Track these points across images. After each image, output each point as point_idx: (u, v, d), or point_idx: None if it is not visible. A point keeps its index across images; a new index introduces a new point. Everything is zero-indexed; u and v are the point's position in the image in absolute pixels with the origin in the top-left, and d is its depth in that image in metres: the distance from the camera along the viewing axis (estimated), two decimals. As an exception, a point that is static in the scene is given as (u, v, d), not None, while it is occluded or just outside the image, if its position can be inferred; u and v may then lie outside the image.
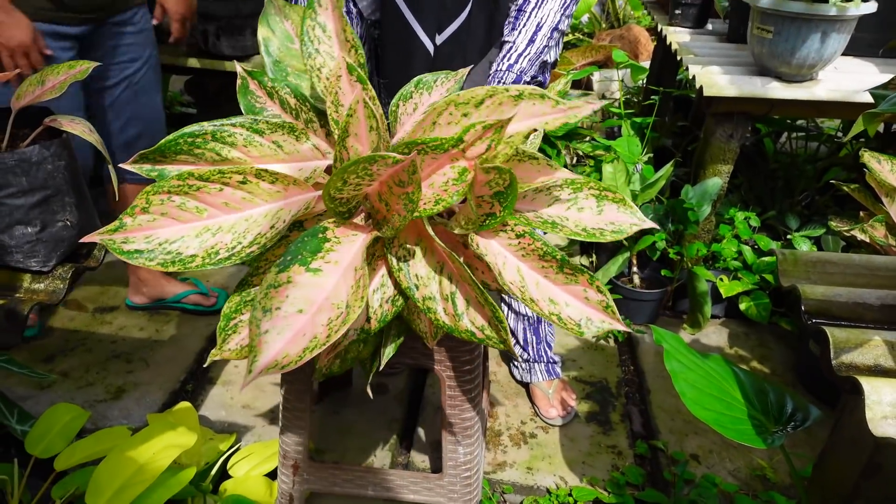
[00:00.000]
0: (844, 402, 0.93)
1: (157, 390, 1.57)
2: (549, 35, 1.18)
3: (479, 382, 1.10)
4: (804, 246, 2.03)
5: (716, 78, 1.73)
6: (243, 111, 0.84)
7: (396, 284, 0.78)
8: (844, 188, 1.63)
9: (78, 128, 0.88)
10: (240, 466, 1.31)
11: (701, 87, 1.72)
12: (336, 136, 0.78)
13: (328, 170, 0.83)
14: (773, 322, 1.92)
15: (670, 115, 2.71)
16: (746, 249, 1.95)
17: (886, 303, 0.81)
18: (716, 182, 1.88)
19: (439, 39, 1.21)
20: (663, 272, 1.91)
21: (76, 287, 1.92)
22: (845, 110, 1.74)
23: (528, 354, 1.60)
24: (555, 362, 1.60)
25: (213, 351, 0.74)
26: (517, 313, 1.56)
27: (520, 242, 0.76)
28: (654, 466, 1.47)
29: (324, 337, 0.65)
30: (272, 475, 1.29)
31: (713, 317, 1.97)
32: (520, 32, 1.17)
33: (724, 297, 1.85)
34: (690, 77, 1.81)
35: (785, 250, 0.91)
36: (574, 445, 1.50)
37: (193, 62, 1.85)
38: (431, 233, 0.72)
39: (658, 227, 0.83)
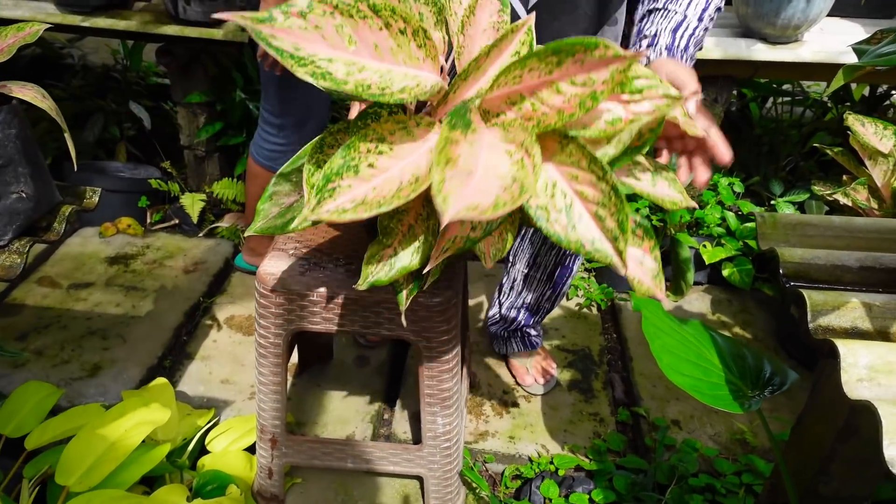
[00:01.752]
0: (822, 365, 0.92)
1: (134, 367, 1.54)
2: (712, 15, 0.98)
3: (456, 353, 1.09)
4: (788, 211, 2.02)
5: (699, 40, 1.69)
6: None
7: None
8: (828, 151, 1.62)
9: (29, 94, 0.84)
10: (218, 441, 1.30)
11: (684, 50, 1.68)
12: (458, 45, 0.79)
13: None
14: (756, 288, 1.92)
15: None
16: (730, 215, 1.94)
17: (865, 264, 0.80)
18: (699, 148, 1.85)
19: (531, 2, 1.08)
20: None
21: (49, 263, 1.88)
22: (831, 72, 1.72)
23: (507, 324, 1.58)
24: (532, 335, 1.59)
25: (305, 211, 0.69)
26: (508, 290, 1.53)
27: None
28: (635, 433, 1.47)
29: (508, 198, 0.63)
30: (251, 450, 1.28)
31: (696, 283, 1.97)
32: (689, 4, 0.96)
33: (707, 263, 1.85)
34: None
35: (765, 213, 0.89)
36: (556, 414, 1.50)
37: (165, 29, 1.78)
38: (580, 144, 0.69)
39: (696, 206, 0.83)
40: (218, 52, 1.98)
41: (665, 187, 0.81)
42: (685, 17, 0.94)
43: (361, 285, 0.82)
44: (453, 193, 0.60)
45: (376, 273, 0.82)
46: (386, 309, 1.03)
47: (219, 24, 1.80)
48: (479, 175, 0.64)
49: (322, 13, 0.64)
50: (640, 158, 0.83)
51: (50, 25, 0.95)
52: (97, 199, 0.99)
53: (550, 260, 1.42)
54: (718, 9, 0.98)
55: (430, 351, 1.06)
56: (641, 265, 0.76)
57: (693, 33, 0.94)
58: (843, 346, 0.67)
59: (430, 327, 1.03)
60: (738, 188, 2.00)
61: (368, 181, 0.71)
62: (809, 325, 0.72)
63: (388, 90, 0.69)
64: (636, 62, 0.62)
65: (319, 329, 1.05)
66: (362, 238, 1.10)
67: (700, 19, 0.94)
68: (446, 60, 0.79)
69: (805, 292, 0.74)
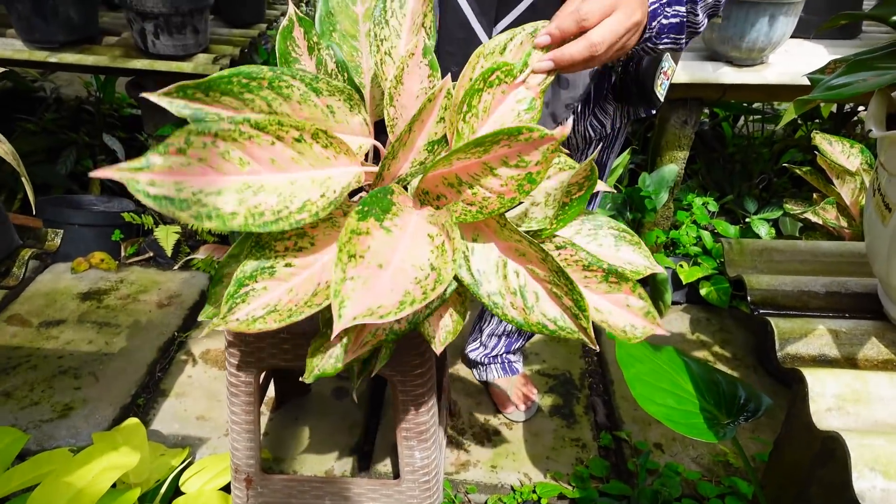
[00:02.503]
0: (796, 390, 0.92)
1: (107, 406, 1.51)
2: None
3: (431, 385, 1.08)
4: (762, 229, 2.04)
5: (668, 64, 1.71)
6: (277, 53, 0.77)
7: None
8: (797, 171, 1.64)
9: (-14, 138, 0.82)
10: (192, 482, 1.27)
11: (653, 74, 1.70)
12: (388, 118, 0.76)
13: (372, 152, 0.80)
14: (734, 306, 1.93)
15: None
16: (705, 234, 1.95)
17: (831, 290, 0.80)
18: (672, 169, 1.88)
19: (495, 31, 1.05)
20: None
21: (19, 301, 1.84)
22: (796, 93, 1.75)
23: (487, 350, 1.57)
24: (512, 360, 1.58)
25: (215, 320, 0.67)
26: (489, 317, 1.53)
27: (560, 254, 0.74)
28: (618, 457, 1.46)
29: (419, 294, 0.60)
30: (227, 489, 1.25)
31: (674, 303, 1.98)
32: None
33: (684, 283, 1.86)
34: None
35: (731, 239, 0.89)
36: (538, 441, 1.49)
37: (134, 63, 1.77)
38: (508, 226, 0.68)
39: (664, 272, 0.83)
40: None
41: (629, 252, 0.80)
42: None
43: (308, 379, 0.79)
44: (351, 297, 0.57)
45: (322, 366, 0.79)
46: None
47: (188, 57, 1.79)
48: (393, 267, 0.62)
49: (203, 145, 0.60)
50: (604, 220, 0.82)
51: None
52: (59, 241, 0.97)
53: None
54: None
55: (404, 385, 1.04)
56: (629, 307, 0.73)
57: None
58: (810, 375, 0.67)
59: (403, 361, 1.02)
60: (713, 207, 2.02)
61: (286, 281, 0.68)
62: (777, 353, 0.72)
63: (286, 212, 0.64)
64: (563, 137, 0.61)
65: (291, 366, 1.03)
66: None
67: None
68: (378, 135, 0.78)
69: (772, 321, 0.74)
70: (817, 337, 0.72)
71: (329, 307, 0.69)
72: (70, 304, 1.84)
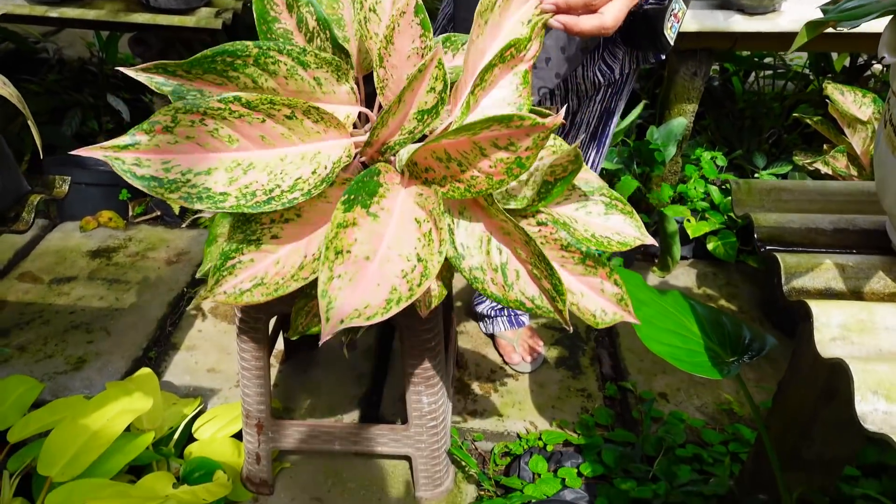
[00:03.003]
0: (801, 329, 0.92)
1: (119, 359, 1.53)
2: None
3: (438, 331, 1.09)
4: (771, 183, 2.02)
5: (677, 13, 1.68)
6: (255, 14, 0.76)
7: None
8: (808, 121, 1.62)
9: (-11, 81, 0.82)
10: (205, 429, 1.29)
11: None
12: (378, 79, 0.73)
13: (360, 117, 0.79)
14: (741, 260, 1.93)
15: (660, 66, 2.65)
16: (713, 189, 1.94)
17: (839, 226, 0.80)
18: (681, 122, 1.85)
19: None
20: (642, 217, 1.89)
21: (29, 259, 1.86)
22: (809, 41, 1.71)
23: (494, 303, 1.58)
24: (518, 313, 1.59)
25: (202, 292, 0.68)
26: None
27: (540, 230, 0.74)
28: (623, 407, 1.48)
29: (405, 291, 0.60)
30: (239, 436, 1.27)
31: (681, 258, 1.97)
32: None
33: (691, 237, 1.85)
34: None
35: (740, 180, 0.89)
36: (544, 391, 1.51)
37: (136, 17, 1.75)
38: (493, 205, 0.68)
39: (656, 244, 0.82)
40: (192, 38, 1.95)
41: (620, 222, 0.78)
42: None
43: (292, 336, 0.81)
44: (338, 297, 0.56)
45: (307, 325, 0.81)
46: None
47: (190, 11, 1.77)
48: (379, 256, 0.61)
49: (191, 123, 0.59)
50: (597, 185, 0.80)
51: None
52: (67, 187, 0.97)
53: None
54: None
55: (411, 330, 1.05)
56: (602, 292, 0.73)
57: None
58: (815, 306, 0.67)
59: (410, 308, 1.03)
60: (721, 162, 2.00)
61: (273, 252, 0.67)
62: (783, 287, 0.72)
63: (277, 191, 0.63)
64: (556, 126, 0.60)
65: (300, 312, 1.04)
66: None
67: None
68: (367, 104, 0.77)
69: (779, 255, 0.74)
70: (824, 271, 0.72)
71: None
72: (80, 262, 1.85)
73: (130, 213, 2.11)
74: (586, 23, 0.80)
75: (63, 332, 1.60)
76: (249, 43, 0.68)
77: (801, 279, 0.72)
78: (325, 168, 0.67)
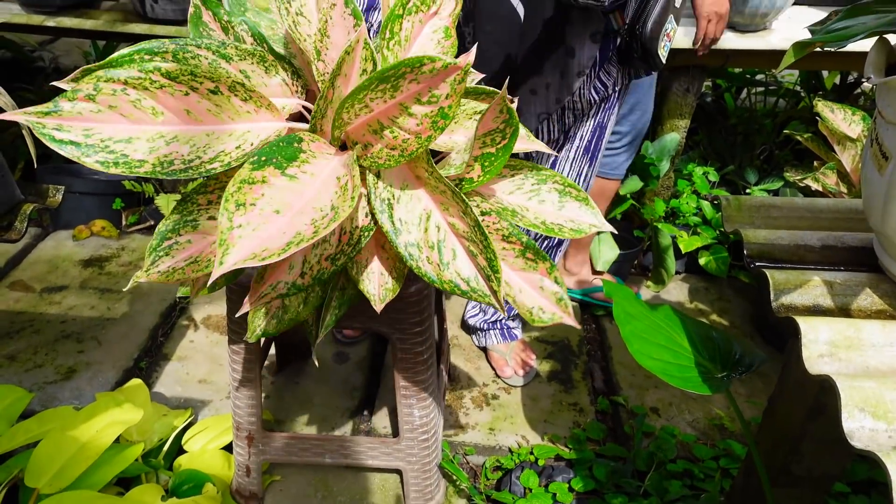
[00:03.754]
0: (791, 345, 0.93)
1: (110, 369, 1.52)
2: None
3: (430, 344, 1.09)
4: (762, 199, 2.03)
5: (670, 30, 1.70)
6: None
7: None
8: (799, 138, 1.64)
9: (-15, 90, 0.83)
10: (195, 441, 1.28)
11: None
12: (317, 73, 0.73)
13: (297, 113, 0.79)
14: (733, 276, 1.94)
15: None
16: (705, 204, 1.95)
17: (827, 244, 0.81)
18: (674, 137, 1.87)
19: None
20: (636, 232, 1.89)
21: (21, 267, 1.85)
22: (800, 59, 1.73)
23: (487, 316, 1.59)
24: (511, 327, 1.59)
25: (138, 273, 0.68)
26: None
27: (483, 220, 0.74)
28: (615, 421, 1.48)
29: (310, 233, 0.60)
30: (229, 448, 1.27)
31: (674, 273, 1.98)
32: None
33: (683, 252, 1.86)
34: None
35: (730, 196, 0.90)
36: (536, 405, 1.50)
37: (133, 28, 1.76)
38: (432, 169, 0.67)
39: (615, 231, 0.82)
40: (189, 50, 1.96)
41: (575, 209, 0.77)
42: None
43: (250, 338, 0.80)
44: (237, 244, 0.56)
45: (264, 326, 0.80)
46: (359, 301, 1.02)
47: (187, 21, 1.78)
48: (294, 211, 0.61)
49: (112, 92, 0.59)
50: (549, 174, 0.79)
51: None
52: (60, 196, 0.97)
53: None
54: None
55: (403, 342, 1.05)
56: (542, 290, 0.72)
57: None
58: (803, 322, 0.68)
59: (402, 319, 1.03)
60: (713, 177, 2.02)
61: (210, 234, 0.67)
62: (772, 303, 0.73)
63: (197, 161, 0.63)
64: (467, 67, 0.61)
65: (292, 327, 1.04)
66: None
67: None
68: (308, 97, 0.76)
69: (768, 272, 0.74)
70: (812, 288, 0.73)
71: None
72: (72, 271, 1.85)
73: (124, 223, 2.11)
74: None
75: (53, 342, 1.59)
76: (167, 40, 0.69)
77: (790, 296, 0.73)
78: (251, 145, 0.67)
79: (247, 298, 0.70)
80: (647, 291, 1.89)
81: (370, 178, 0.70)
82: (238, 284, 1.02)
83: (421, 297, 1.02)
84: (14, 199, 0.91)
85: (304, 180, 0.63)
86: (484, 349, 1.64)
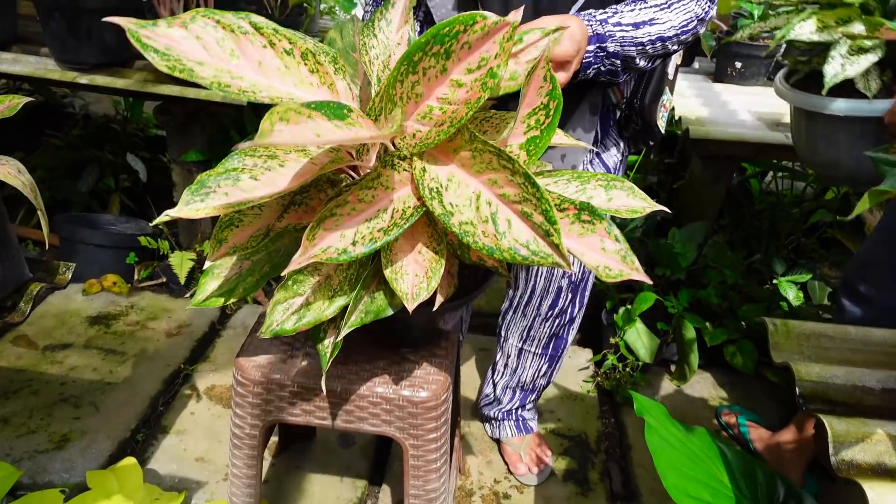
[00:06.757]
0: (840, 486, 0.85)
1: (105, 439, 1.46)
2: (654, 37, 0.97)
3: (445, 450, 1.02)
4: (790, 292, 1.97)
5: (704, 120, 1.68)
6: None
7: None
8: (838, 236, 1.58)
9: (3, 170, 0.80)
10: (186, 531, 1.20)
11: (687, 129, 1.67)
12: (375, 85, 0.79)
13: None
14: (760, 372, 1.85)
15: (655, 152, 2.66)
16: (732, 295, 1.88)
17: (887, 386, 0.74)
18: (702, 226, 1.83)
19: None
20: (659, 325, 1.82)
21: (27, 321, 1.81)
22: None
23: (502, 405, 1.51)
24: (527, 419, 1.51)
25: (169, 211, 0.66)
26: (502, 368, 1.48)
27: None
28: (634, 532, 1.38)
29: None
30: (222, 540, 1.18)
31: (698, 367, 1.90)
32: (633, 10, 0.97)
33: (708, 345, 1.78)
34: (677, 118, 1.77)
35: (776, 320, 0.84)
36: (550, 507, 1.41)
37: (163, 89, 1.77)
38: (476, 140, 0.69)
39: (667, 211, 0.80)
40: (217, 111, 1.97)
41: (623, 197, 0.79)
42: (621, 10, 0.97)
43: (265, 333, 0.78)
44: (275, 134, 0.58)
45: (281, 322, 0.78)
46: (370, 403, 0.96)
47: (219, 86, 1.78)
48: (333, 140, 0.65)
49: (204, 25, 0.66)
50: (590, 174, 0.82)
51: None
52: (70, 275, 0.93)
53: (545, 332, 1.37)
54: (661, 38, 0.98)
55: (416, 449, 0.98)
56: (603, 251, 0.70)
57: (623, 25, 0.95)
58: (871, 490, 0.61)
59: (416, 425, 0.96)
60: (740, 267, 1.95)
61: (247, 192, 0.70)
62: (832, 458, 0.66)
63: (251, 94, 0.68)
64: (517, 24, 0.64)
65: (299, 421, 0.98)
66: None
67: (635, 26, 0.96)
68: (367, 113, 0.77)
69: (826, 420, 0.68)
70: (875, 443, 0.66)
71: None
72: (78, 328, 1.80)
73: (136, 277, 2.07)
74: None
75: (51, 405, 1.53)
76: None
77: (851, 450, 0.66)
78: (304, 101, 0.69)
79: (295, 256, 0.69)
80: (668, 385, 1.81)
81: (417, 165, 0.71)
82: (248, 377, 0.96)
83: (438, 402, 0.96)
84: (22, 279, 0.88)
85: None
86: (497, 441, 1.55)
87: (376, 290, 0.79)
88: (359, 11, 2.72)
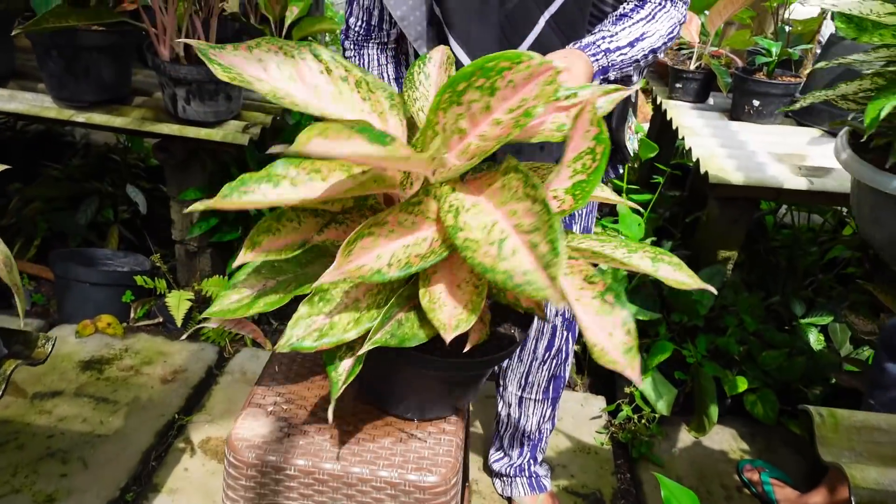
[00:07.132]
0: None
1: (94, 499, 1.38)
2: (647, 51, 1.02)
3: (455, 536, 0.94)
4: (811, 336, 1.89)
5: (722, 162, 1.61)
6: None
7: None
8: (868, 287, 1.51)
9: (-23, 242, 0.73)
10: None
11: (706, 173, 1.60)
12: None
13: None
14: (782, 422, 1.77)
15: (666, 185, 2.60)
16: (752, 340, 1.81)
17: (953, 494, 0.66)
18: (721, 269, 1.75)
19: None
20: (676, 374, 1.74)
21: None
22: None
23: (512, 460, 1.44)
24: (539, 475, 1.43)
25: (206, 202, 0.66)
26: (505, 419, 1.41)
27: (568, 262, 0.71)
28: None
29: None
30: None
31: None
32: (623, 29, 1.00)
33: (728, 394, 1.70)
34: (694, 159, 1.70)
35: (822, 409, 0.76)
36: (564, 577, 1.32)
37: (162, 128, 1.71)
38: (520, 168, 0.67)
39: (713, 291, 0.74)
40: (217, 149, 1.91)
41: (669, 271, 0.77)
42: (615, 34, 0.99)
43: (282, 347, 0.76)
44: (311, 138, 0.57)
45: (302, 338, 0.76)
46: (373, 488, 0.88)
47: (218, 124, 1.73)
48: (369, 158, 0.65)
49: (267, 50, 0.71)
50: (638, 245, 0.79)
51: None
52: (51, 347, 0.86)
53: (543, 375, 1.33)
54: (653, 50, 1.02)
55: (424, 535, 0.90)
56: (610, 336, 0.67)
57: (622, 48, 0.98)
58: None
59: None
60: (759, 312, 1.88)
61: (283, 197, 0.70)
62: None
63: (303, 107, 0.70)
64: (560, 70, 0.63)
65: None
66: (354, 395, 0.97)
67: (631, 45, 0.99)
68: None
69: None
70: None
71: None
72: (70, 373, 1.73)
73: (132, 316, 2.01)
74: None
75: (37, 461, 1.46)
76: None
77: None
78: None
79: (329, 269, 0.68)
80: (686, 436, 1.73)
81: (445, 188, 0.71)
82: (241, 458, 0.88)
83: (448, 487, 0.88)
84: (-3, 355, 0.80)
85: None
86: (509, 499, 1.47)
87: (405, 318, 0.77)
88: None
